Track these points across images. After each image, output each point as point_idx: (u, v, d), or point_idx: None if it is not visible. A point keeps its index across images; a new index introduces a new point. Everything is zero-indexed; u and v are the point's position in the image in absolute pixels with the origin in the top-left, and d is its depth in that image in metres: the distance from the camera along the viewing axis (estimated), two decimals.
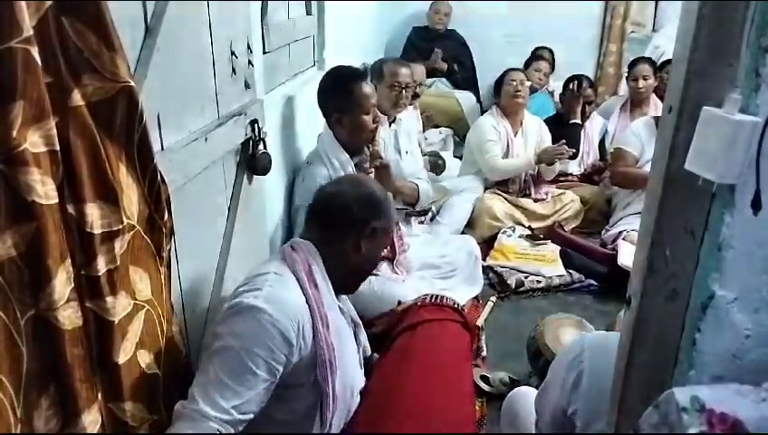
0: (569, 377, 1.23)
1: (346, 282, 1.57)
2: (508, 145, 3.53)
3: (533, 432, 1.57)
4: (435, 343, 1.75)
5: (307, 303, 1.37)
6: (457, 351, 1.80)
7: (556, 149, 3.38)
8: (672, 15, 5.06)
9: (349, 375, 1.49)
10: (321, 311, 1.39)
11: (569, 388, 1.23)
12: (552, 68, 4.99)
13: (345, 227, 1.51)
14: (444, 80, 4.93)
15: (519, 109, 3.57)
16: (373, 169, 2.31)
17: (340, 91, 2.35)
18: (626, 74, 4.27)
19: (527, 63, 4.71)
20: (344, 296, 1.64)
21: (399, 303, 2.07)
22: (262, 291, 1.30)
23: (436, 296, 1.98)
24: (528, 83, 3.61)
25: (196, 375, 1.25)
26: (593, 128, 4.06)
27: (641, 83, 3.98)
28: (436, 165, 3.77)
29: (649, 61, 4.12)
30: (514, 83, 3.50)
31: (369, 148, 2.43)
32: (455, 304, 1.97)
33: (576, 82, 3.93)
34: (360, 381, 1.58)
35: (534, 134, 3.61)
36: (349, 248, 1.51)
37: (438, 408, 1.52)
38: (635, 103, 4.10)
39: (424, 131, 4.15)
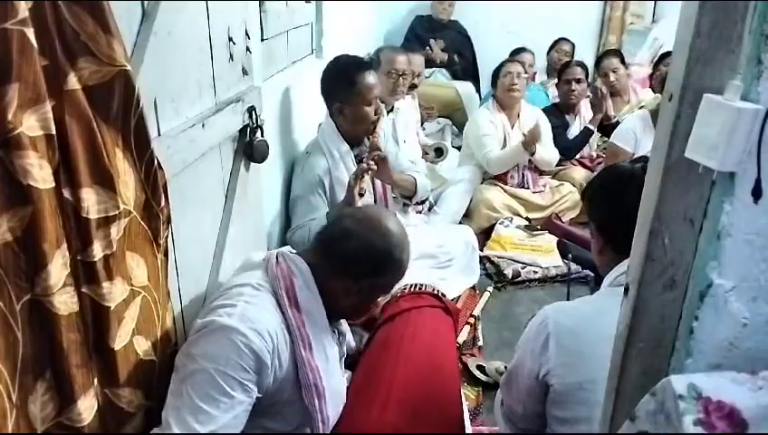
0: (537, 343, 1.28)
1: (332, 313, 1.50)
2: (505, 138, 3.51)
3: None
4: (412, 330, 1.75)
5: (285, 322, 1.32)
6: (436, 335, 1.80)
7: (531, 132, 3.34)
8: (671, 7, 5.05)
9: (338, 394, 1.45)
10: (303, 332, 1.33)
11: (538, 352, 1.28)
12: (572, 57, 4.94)
13: (343, 271, 1.43)
14: (443, 70, 4.89)
15: (515, 102, 3.53)
16: (372, 161, 2.29)
17: (343, 81, 2.33)
18: (595, 70, 4.31)
19: (511, 56, 4.66)
20: None
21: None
22: (236, 308, 1.25)
23: (415, 285, 1.98)
24: (525, 75, 3.57)
25: (169, 397, 1.20)
26: (588, 111, 4.05)
27: (612, 76, 4.04)
28: (439, 150, 3.75)
29: (616, 53, 4.17)
30: (510, 76, 3.46)
31: (368, 139, 2.42)
32: (434, 290, 1.97)
33: (569, 72, 3.89)
34: (344, 396, 1.54)
35: (531, 126, 3.58)
36: (340, 290, 1.44)
37: (418, 393, 1.51)
38: (613, 94, 4.13)
39: (422, 124, 4.13)
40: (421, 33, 4.97)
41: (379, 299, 1.58)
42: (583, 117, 3.97)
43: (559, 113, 3.91)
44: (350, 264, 1.42)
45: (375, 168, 2.29)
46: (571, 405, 1.24)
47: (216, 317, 1.23)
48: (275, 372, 1.28)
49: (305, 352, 1.32)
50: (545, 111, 3.91)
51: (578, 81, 3.84)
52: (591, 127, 3.80)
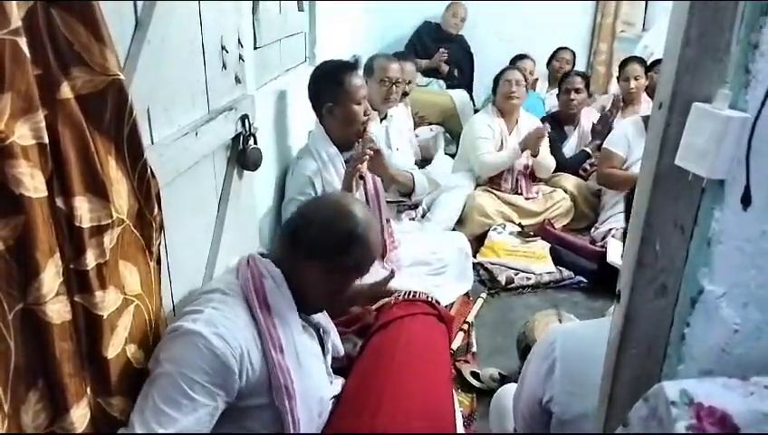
0: (542, 366, 1.26)
1: (310, 305, 1.50)
2: (502, 143, 3.53)
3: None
4: (405, 338, 1.74)
5: (256, 325, 1.32)
6: (429, 343, 1.80)
7: (537, 131, 3.38)
8: (662, 15, 5.09)
9: (312, 395, 1.44)
10: (273, 333, 1.33)
11: (543, 377, 1.26)
12: (573, 66, 4.94)
13: (311, 256, 1.43)
14: (441, 82, 4.92)
15: (514, 109, 3.56)
16: (367, 156, 2.30)
17: (331, 82, 2.35)
18: (617, 74, 4.30)
19: (511, 63, 4.68)
20: None
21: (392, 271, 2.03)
22: (203, 314, 1.25)
23: (409, 293, 1.99)
24: (525, 83, 3.60)
25: (137, 400, 1.20)
26: (588, 122, 4.06)
27: (632, 83, 4.02)
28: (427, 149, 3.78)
29: (639, 60, 4.15)
30: (508, 84, 3.49)
31: (359, 142, 2.43)
32: (428, 297, 1.98)
33: (569, 82, 3.91)
34: (328, 391, 1.54)
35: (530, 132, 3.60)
36: (311, 278, 1.44)
37: (409, 401, 1.50)
38: (626, 102, 4.14)
39: (415, 129, 4.14)
40: (427, 40, 5.01)
41: (357, 291, 1.56)
42: (583, 127, 3.97)
43: (557, 125, 3.91)
44: (314, 246, 1.43)
45: (371, 153, 2.31)
46: None
47: (182, 323, 1.24)
48: (247, 375, 1.28)
49: (275, 354, 1.32)
50: (543, 121, 3.91)
51: (577, 90, 3.86)
52: (589, 151, 3.82)
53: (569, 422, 1.22)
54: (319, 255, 1.43)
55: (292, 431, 1.34)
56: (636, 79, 4.01)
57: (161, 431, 1.15)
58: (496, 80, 3.61)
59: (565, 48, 4.95)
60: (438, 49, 4.88)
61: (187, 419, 1.18)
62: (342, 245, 1.44)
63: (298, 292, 1.43)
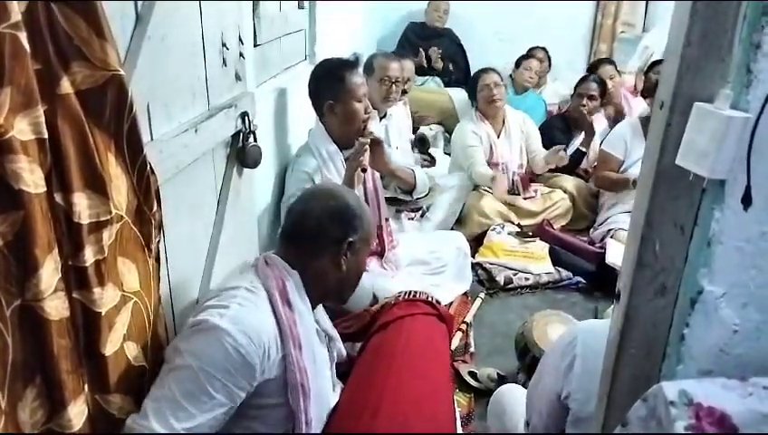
0: (563, 362, 1.27)
1: (332, 296, 1.52)
2: (492, 148, 3.51)
3: (520, 428, 1.58)
4: (405, 339, 1.74)
5: (278, 323, 1.32)
6: (429, 343, 1.80)
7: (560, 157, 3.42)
8: (662, 16, 5.10)
9: (324, 395, 1.45)
10: (294, 331, 1.33)
11: (562, 373, 1.26)
12: (549, 66, 4.98)
13: (321, 248, 1.45)
14: (437, 79, 4.92)
15: (497, 111, 3.52)
16: (367, 147, 2.30)
17: (332, 79, 2.35)
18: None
19: (518, 62, 4.69)
20: (319, 309, 1.59)
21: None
22: (229, 310, 1.25)
23: (410, 292, 1.99)
24: (503, 83, 3.56)
25: (152, 388, 1.20)
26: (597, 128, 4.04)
27: (610, 84, 4.06)
28: (422, 141, 3.77)
29: (610, 61, 4.22)
30: (487, 88, 3.44)
31: (358, 140, 2.42)
32: (428, 297, 1.98)
33: (584, 87, 3.80)
34: (332, 397, 1.55)
35: (518, 132, 3.58)
36: (328, 267, 1.46)
37: (409, 402, 1.50)
38: (606, 101, 4.15)
39: (414, 132, 4.14)
40: (414, 40, 4.99)
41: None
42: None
43: (565, 127, 3.88)
44: (322, 237, 1.45)
45: (368, 141, 2.30)
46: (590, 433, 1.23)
47: (207, 317, 1.23)
48: (264, 374, 1.28)
49: (294, 352, 1.32)
50: (551, 121, 3.90)
51: (590, 97, 3.77)
52: (584, 149, 3.80)
53: (584, 420, 1.23)
54: (328, 245, 1.44)
55: (304, 430, 1.35)
56: (611, 78, 4.04)
57: (179, 427, 1.14)
58: (473, 86, 3.54)
59: (538, 47, 4.95)
60: (428, 47, 4.86)
61: (204, 416, 1.18)
62: (346, 224, 1.46)
63: (311, 290, 1.44)
